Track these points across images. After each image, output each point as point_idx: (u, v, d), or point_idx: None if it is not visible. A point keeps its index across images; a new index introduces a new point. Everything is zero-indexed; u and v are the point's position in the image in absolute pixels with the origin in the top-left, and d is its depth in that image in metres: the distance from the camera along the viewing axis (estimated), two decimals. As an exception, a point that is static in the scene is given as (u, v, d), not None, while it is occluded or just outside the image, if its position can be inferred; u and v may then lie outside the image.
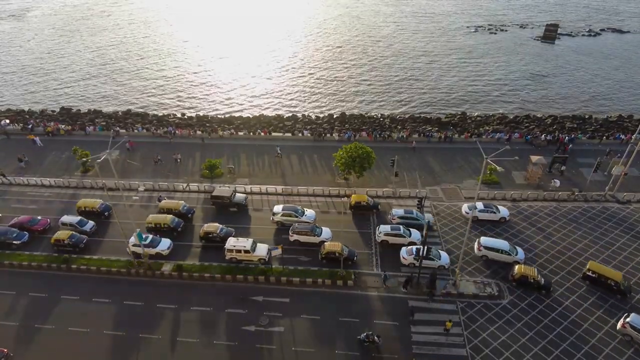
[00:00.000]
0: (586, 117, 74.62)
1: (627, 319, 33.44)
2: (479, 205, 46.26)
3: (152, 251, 41.64)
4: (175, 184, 53.84)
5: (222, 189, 49.72)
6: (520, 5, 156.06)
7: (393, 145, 62.51)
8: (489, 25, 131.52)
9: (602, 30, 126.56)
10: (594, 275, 37.66)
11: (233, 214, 48.24)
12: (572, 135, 64.53)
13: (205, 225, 44.10)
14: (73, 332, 34.52)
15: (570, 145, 60.76)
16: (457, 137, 65.91)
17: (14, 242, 43.02)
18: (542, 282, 37.24)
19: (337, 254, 39.50)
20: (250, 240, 41.11)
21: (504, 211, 46.42)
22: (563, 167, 54.91)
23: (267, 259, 40.82)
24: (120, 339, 34.01)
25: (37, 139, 64.17)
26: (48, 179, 55.10)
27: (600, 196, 50.16)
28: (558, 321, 34.57)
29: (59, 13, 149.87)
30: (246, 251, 40.22)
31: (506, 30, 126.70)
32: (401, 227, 43.21)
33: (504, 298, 36.80)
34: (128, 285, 39.23)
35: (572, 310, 35.58)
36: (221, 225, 43.93)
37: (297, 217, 45.59)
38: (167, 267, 40.37)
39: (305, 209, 46.97)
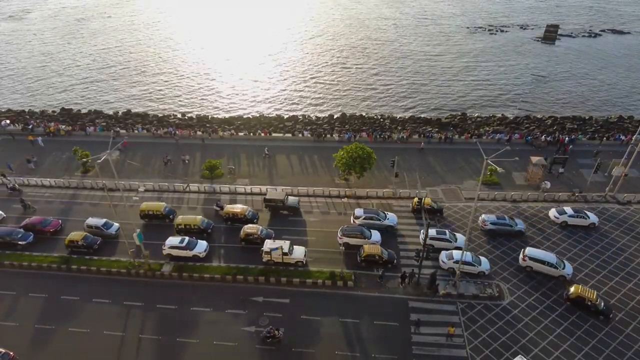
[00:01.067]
0: (586, 117, 74.62)
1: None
2: (569, 210, 45.45)
3: (189, 253, 41.07)
4: (175, 185, 53.83)
5: (274, 192, 48.93)
6: (521, 7, 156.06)
7: (394, 146, 62.48)
8: (489, 26, 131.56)
9: (602, 31, 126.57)
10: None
11: (286, 216, 47.73)
12: (573, 136, 64.52)
13: (246, 226, 43.64)
14: (73, 333, 34.51)
15: (571, 146, 60.77)
16: (458, 138, 65.90)
17: (19, 242, 42.96)
18: (601, 306, 34.82)
19: (376, 257, 39.28)
20: (288, 243, 40.55)
21: (593, 217, 45.28)
22: (561, 170, 54.86)
23: (304, 262, 40.41)
24: (120, 339, 33.97)
25: (39, 139, 64.17)
26: (48, 179, 55.12)
27: (600, 197, 50.15)
28: (558, 322, 34.53)
29: (58, 14, 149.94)
30: (284, 254, 39.89)
31: (506, 31, 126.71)
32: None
33: (504, 299, 36.77)
34: (128, 285, 39.19)
35: (573, 311, 35.49)
36: (262, 227, 43.79)
37: (379, 220, 44.54)
38: (166, 268, 40.34)
39: (386, 213, 45.88)
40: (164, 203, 48.00)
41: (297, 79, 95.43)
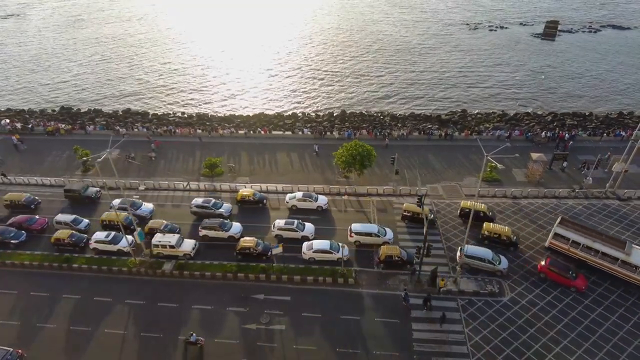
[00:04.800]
0: (586, 114, 74.50)
1: (464, 250, 38.26)
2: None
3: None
4: (175, 183, 53.86)
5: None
6: (520, 3, 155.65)
7: (392, 143, 62.21)
8: (488, 22, 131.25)
9: (602, 27, 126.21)
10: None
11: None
12: (573, 133, 64.45)
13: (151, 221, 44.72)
14: (74, 331, 34.61)
15: (571, 142, 60.72)
16: (458, 135, 65.85)
17: (11, 241, 43.03)
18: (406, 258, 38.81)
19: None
20: (177, 236, 41.44)
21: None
22: (565, 164, 54.85)
23: (192, 254, 40.99)
24: (121, 337, 34.05)
25: (14, 139, 63.28)
26: (49, 178, 55.16)
27: (600, 193, 50.14)
28: (559, 318, 34.60)
29: (57, 12, 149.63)
30: (171, 247, 40.46)
31: (506, 28, 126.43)
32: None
33: (505, 295, 36.82)
34: (129, 283, 39.27)
35: (573, 307, 35.57)
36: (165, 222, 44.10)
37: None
38: (168, 266, 40.42)
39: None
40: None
41: (297, 76, 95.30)
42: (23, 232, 44.22)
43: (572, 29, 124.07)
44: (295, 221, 43.59)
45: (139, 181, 54.05)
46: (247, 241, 40.86)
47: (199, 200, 47.07)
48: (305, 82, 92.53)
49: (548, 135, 63.73)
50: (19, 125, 70.10)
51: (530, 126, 69.28)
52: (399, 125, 70.75)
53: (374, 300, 36.65)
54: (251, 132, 68.37)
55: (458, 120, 72.53)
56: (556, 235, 40.26)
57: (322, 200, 48.14)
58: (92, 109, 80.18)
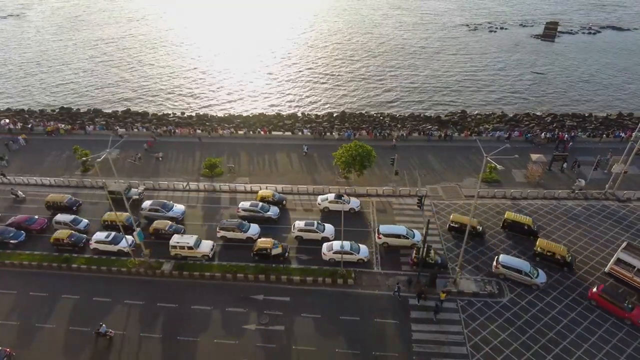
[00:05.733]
0: (586, 115, 74.60)
1: (499, 260, 37.65)
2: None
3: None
4: (175, 184, 53.84)
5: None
6: (520, 4, 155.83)
7: (390, 144, 62.26)
8: (488, 23, 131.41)
9: (602, 28, 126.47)
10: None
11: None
12: (572, 134, 64.51)
13: (156, 221, 44.35)
14: (73, 332, 34.57)
15: (571, 143, 60.78)
16: (457, 136, 65.89)
17: (11, 241, 42.97)
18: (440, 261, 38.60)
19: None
20: (195, 237, 41.35)
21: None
22: (564, 165, 54.90)
23: (210, 255, 40.94)
24: (121, 338, 34.04)
25: (21, 139, 63.85)
26: (48, 178, 55.12)
27: (600, 194, 50.17)
28: (558, 319, 34.61)
29: (57, 13, 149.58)
30: (189, 248, 40.47)
31: (506, 29, 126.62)
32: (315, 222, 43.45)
33: (504, 296, 36.82)
34: (128, 284, 39.25)
35: (572, 308, 35.57)
36: (170, 223, 44.22)
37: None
38: (167, 266, 40.39)
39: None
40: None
41: (296, 76, 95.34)
42: (22, 232, 44.17)
43: (571, 30, 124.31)
44: (315, 222, 43.53)
45: (138, 181, 54.04)
46: (264, 242, 40.85)
47: (246, 204, 46.50)
48: (305, 82, 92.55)
49: (548, 136, 63.81)
50: (19, 125, 70.05)
51: (530, 127, 69.34)
52: (399, 125, 70.79)
53: (373, 301, 36.62)
54: (251, 132, 68.38)
55: (458, 121, 72.60)
56: (619, 260, 37.37)
57: (355, 202, 47.87)
58: (92, 109, 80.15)
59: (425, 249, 36.06)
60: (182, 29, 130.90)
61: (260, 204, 46.76)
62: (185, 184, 53.81)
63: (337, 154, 51.84)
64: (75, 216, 46.00)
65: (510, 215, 44.15)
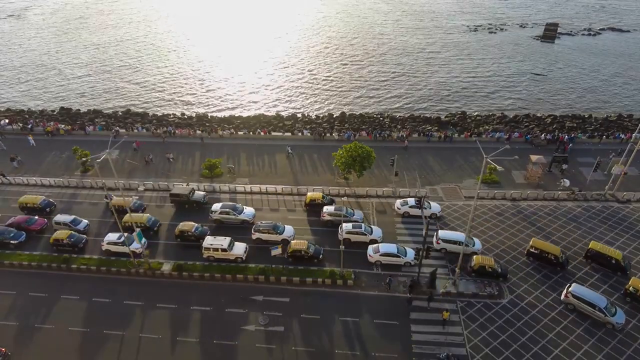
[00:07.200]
0: (586, 116, 74.62)
1: (570, 289, 35.24)
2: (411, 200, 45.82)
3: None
4: (175, 184, 53.79)
5: (180, 187, 50.15)
6: (520, 5, 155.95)
7: (392, 145, 62.39)
8: (488, 24, 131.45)
9: (602, 29, 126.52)
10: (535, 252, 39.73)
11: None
12: (572, 135, 64.53)
13: (181, 224, 43.91)
14: (73, 332, 34.54)
15: (570, 145, 60.79)
16: (457, 137, 65.90)
17: (11, 241, 42.94)
18: (500, 270, 38.04)
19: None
20: (228, 239, 41.00)
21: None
22: (565, 166, 54.91)
23: (243, 258, 40.69)
24: (120, 338, 34.00)
25: (30, 140, 63.87)
26: (48, 178, 55.11)
27: (600, 195, 50.17)
28: (558, 320, 34.60)
29: (57, 12, 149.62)
30: (223, 250, 40.23)
31: (506, 30, 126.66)
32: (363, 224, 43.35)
33: (504, 297, 36.80)
34: (128, 284, 39.21)
35: (572, 309, 35.54)
36: (196, 224, 43.82)
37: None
38: (166, 267, 40.36)
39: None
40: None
41: (296, 77, 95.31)
42: (23, 232, 44.12)
43: (571, 31, 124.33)
44: (363, 225, 43.37)
45: (138, 182, 54.02)
46: (299, 244, 40.70)
47: (330, 208, 45.86)
48: (305, 83, 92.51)
49: (547, 137, 63.81)
50: (18, 125, 70.03)
51: (530, 128, 69.35)
52: (399, 127, 70.78)
53: (373, 302, 36.61)
54: (251, 133, 68.37)
55: (457, 122, 72.60)
56: None
57: (436, 207, 47.42)
58: (92, 109, 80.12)
59: (425, 249, 35.98)
60: (182, 30, 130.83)
61: (345, 208, 45.92)
62: (185, 184, 53.76)
63: (337, 154, 51.85)
64: (75, 217, 45.93)
65: (595, 245, 39.69)
